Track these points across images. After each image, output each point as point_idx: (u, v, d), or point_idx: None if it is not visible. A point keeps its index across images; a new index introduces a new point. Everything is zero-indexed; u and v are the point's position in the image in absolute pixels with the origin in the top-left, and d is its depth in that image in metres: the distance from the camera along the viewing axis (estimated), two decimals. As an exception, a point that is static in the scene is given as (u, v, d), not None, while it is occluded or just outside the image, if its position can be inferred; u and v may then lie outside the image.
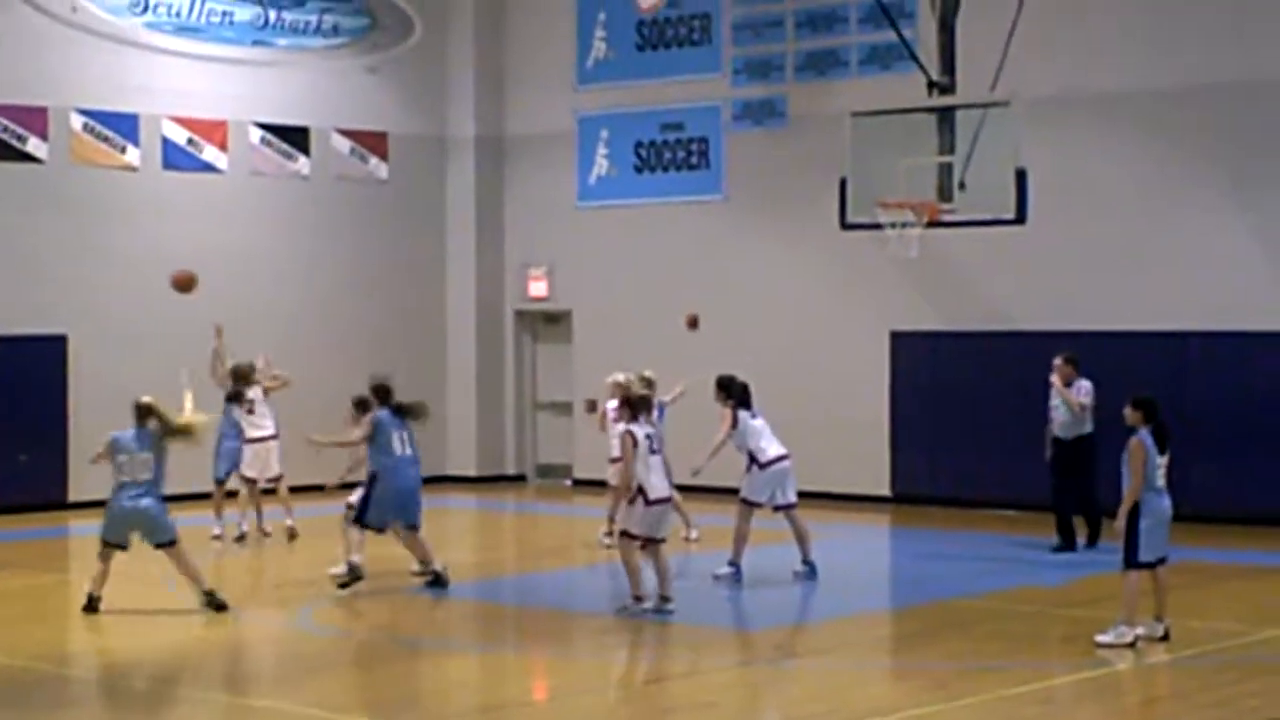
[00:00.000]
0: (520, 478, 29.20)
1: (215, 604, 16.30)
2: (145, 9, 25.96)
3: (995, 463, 23.99)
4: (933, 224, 21.17)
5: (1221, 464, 22.06)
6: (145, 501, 16.26)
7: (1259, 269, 22.49)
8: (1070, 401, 19.98)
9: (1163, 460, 14.66)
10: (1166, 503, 14.73)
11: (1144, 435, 14.59)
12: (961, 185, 20.87)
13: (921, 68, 22.14)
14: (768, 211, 26.32)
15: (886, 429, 25.17)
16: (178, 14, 26.26)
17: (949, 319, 24.77)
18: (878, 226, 21.44)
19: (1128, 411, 14.78)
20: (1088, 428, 19.99)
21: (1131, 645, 14.34)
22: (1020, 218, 20.77)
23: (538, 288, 28.92)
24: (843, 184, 21.72)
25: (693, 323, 26.93)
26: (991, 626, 16.00)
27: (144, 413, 16.49)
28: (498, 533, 25.00)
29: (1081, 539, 20.20)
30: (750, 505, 18.03)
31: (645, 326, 27.18)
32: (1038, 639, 15.48)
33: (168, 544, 16.35)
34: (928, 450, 24.84)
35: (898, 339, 25.07)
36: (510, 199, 29.26)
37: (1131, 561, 14.57)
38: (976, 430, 24.26)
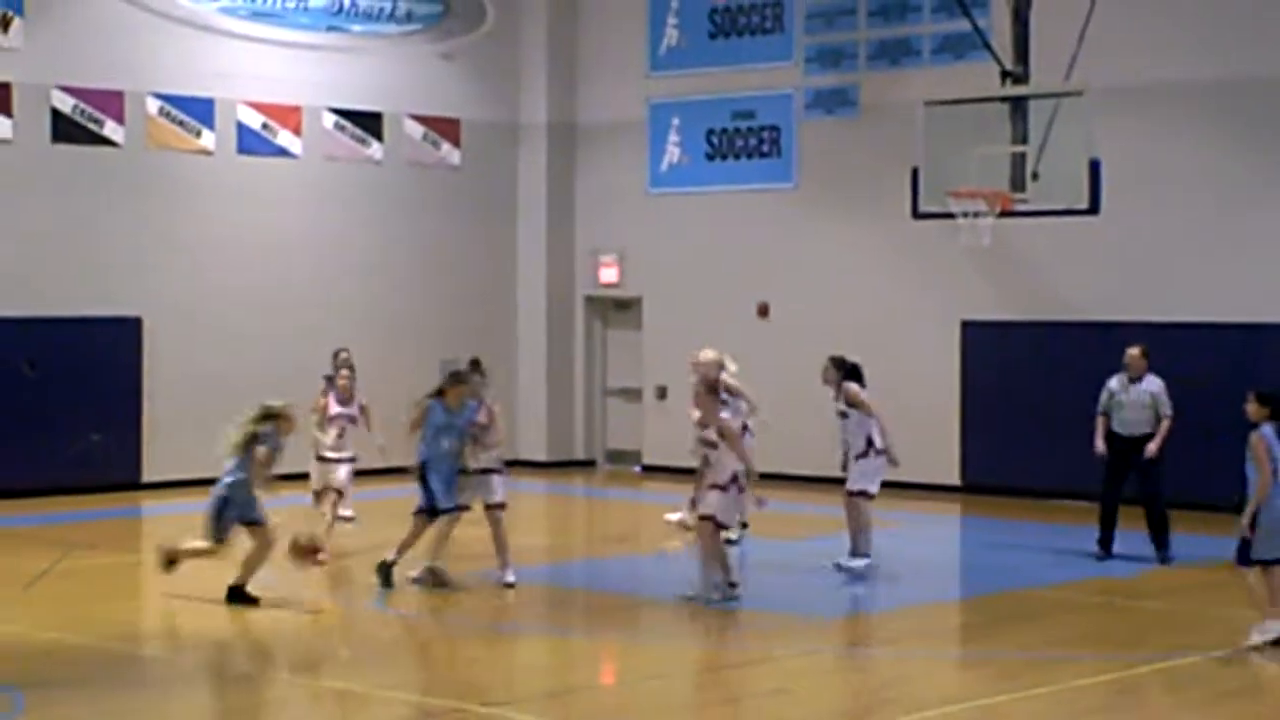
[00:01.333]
0: (590, 463, 29.28)
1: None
2: (221, -6, 26.16)
3: (1065, 453, 23.86)
4: (1005, 214, 21.09)
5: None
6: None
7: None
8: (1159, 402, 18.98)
9: None
10: None
11: (1267, 430, 14.21)
12: (1034, 175, 20.78)
13: (995, 57, 22.07)
14: (839, 200, 26.31)
15: (957, 418, 25.14)
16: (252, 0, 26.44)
17: (1020, 309, 24.71)
18: (949, 216, 21.38)
19: (1251, 406, 14.38)
20: (1149, 426, 19.01)
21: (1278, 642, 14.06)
22: (1093, 208, 20.67)
23: (608, 274, 28.99)
24: (914, 173, 21.68)
25: (763, 310, 26.96)
26: (1062, 617, 16.00)
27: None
28: (567, 518, 25.10)
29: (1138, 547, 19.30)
30: (869, 497, 17.92)
31: (716, 314, 27.21)
32: (1109, 630, 15.46)
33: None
34: (998, 440, 24.80)
35: (968, 328, 25.02)
36: (582, 186, 29.33)
37: (1244, 557, 14.27)
38: (1047, 420, 24.19)
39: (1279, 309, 22.55)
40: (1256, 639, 14.10)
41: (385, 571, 16.86)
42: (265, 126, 26.51)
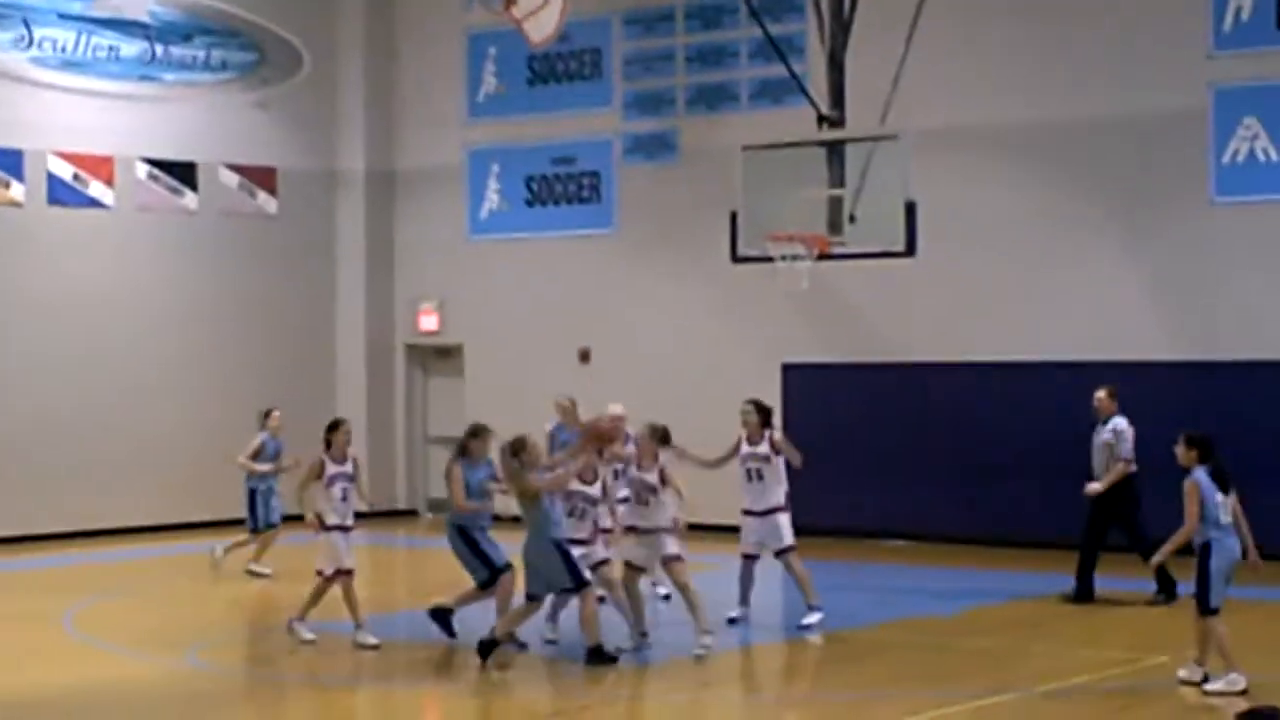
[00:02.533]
0: (412, 512, 29.06)
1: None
2: (30, 44, 25.71)
3: (888, 493, 24.10)
4: (823, 257, 21.21)
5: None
6: None
7: (1138, 301, 22.76)
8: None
9: (1227, 499, 14.01)
10: (1233, 543, 14.05)
11: (1200, 475, 14.00)
12: (852, 218, 20.91)
13: (811, 102, 22.23)
14: (659, 245, 26.37)
15: (780, 460, 25.15)
16: (63, 49, 26.01)
17: (841, 351, 24.88)
18: (768, 259, 21.47)
19: (1180, 450, 14.20)
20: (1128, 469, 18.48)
21: (1243, 693, 13.68)
22: (910, 250, 20.87)
23: (428, 322, 28.84)
24: (733, 217, 21.74)
25: (585, 356, 26.93)
26: (887, 656, 16.05)
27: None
28: (389, 568, 24.83)
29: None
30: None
31: (537, 360, 27.14)
32: (934, 668, 15.52)
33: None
34: (821, 481, 24.84)
35: (789, 371, 25.15)
36: (401, 233, 29.16)
37: (1206, 608, 13.96)
38: (869, 461, 24.35)
39: (1093, 347, 22.88)
40: (1221, 686, 13.86)
41: (489, 648, 15.41)
42: (76, 177, 26.09)
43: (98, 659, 16.31)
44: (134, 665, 15.99)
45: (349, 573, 16.54)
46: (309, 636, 16.40)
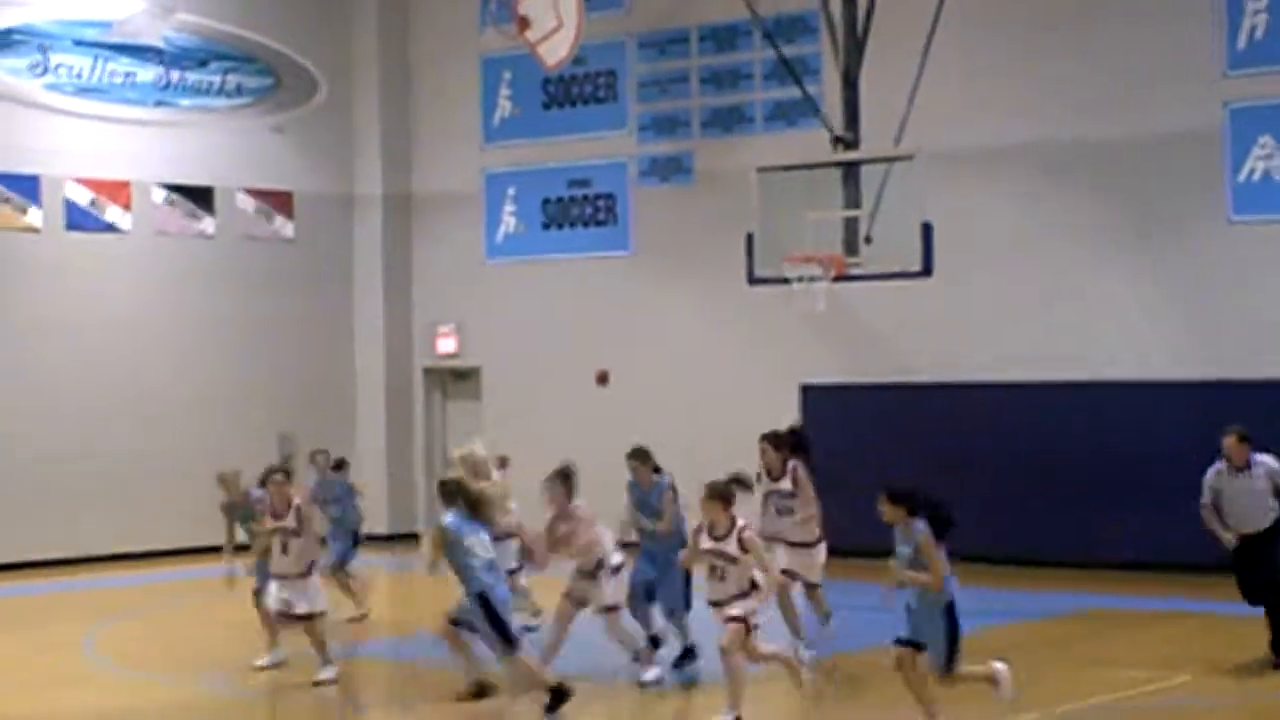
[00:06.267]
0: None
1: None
2: (45, 70, 25.80)
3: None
4: (839, 278, 21.24)
5: (1127, 513, 22.21)
6: None
7: (1155, 319, 22.73)
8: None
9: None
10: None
11: (921, 526, 13.35)
12: (867, 239, 20.95)
13: (825, 123, 22.27)
14: (675, 267, 26.38)
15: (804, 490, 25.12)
16: (79, 75, 26.10)
17: (858, 372, 24.85)
18: (785, 281, 21.49)
19: (885, 508, 13.52)
20: (1271, 517, 15.91)
21: None
22: (926, 270, 20.88)
23: (446, 345, 28.87)
24: (749, 239, 21.78)
25: (602, 378, 26.94)
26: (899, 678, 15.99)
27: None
28: (409, 590, 24.82)
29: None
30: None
31: (555, 382, 27.17)
32: (950, 689, 15.45)
33: None
34: (840, 502, 24.81)
35: (807, 392, 25.12)
36: (418, 257, 29.21)
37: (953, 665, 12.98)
38: (885, 481, 24.25)
39: (1110, 366, 22.85)
40: None
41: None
42: (93, 203, 26.17)
43: (119, 684, 16.33)
44: (155, 690, 16.01)
45: (291, 616, 16.07)
46: (326, 675, 16.05)
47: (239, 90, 27.89)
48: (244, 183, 27.84)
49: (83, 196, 26.07)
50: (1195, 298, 22.58)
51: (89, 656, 17.76)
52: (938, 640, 12.86)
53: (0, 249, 25.30)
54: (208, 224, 27.40)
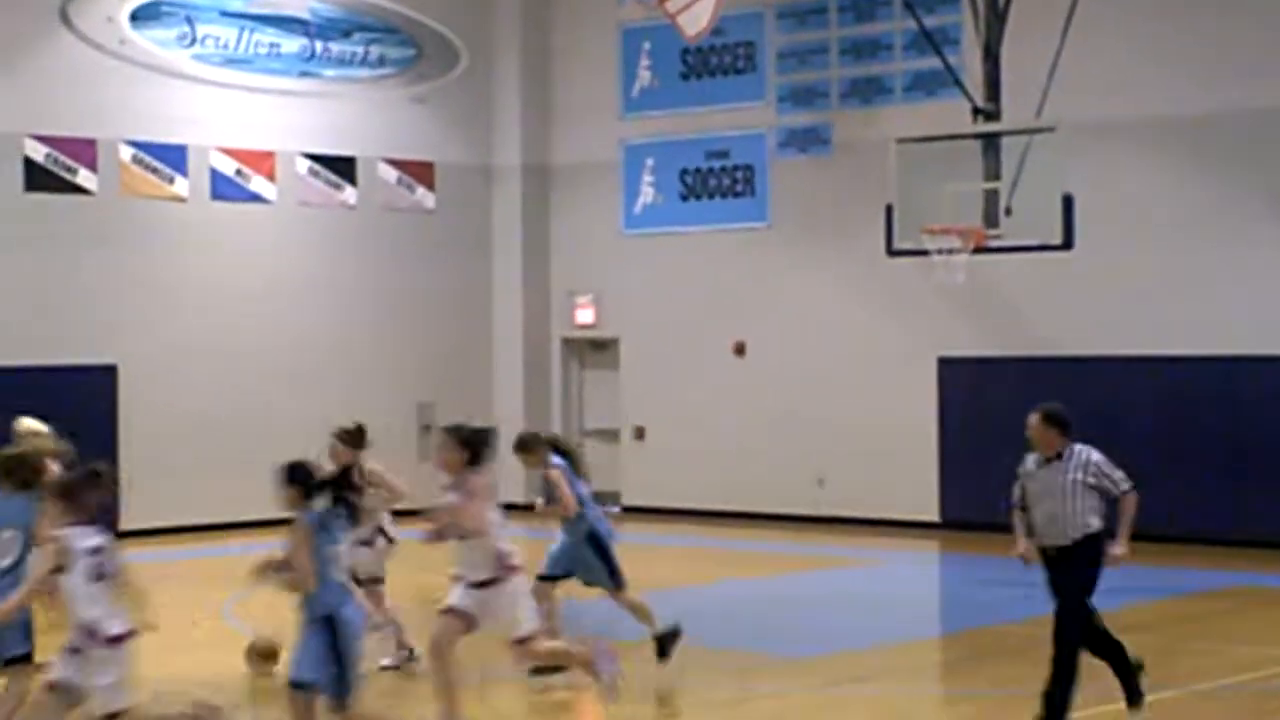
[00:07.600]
0: (568, 505, 29.17)
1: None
2: (192, 41, 26.14)
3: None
4: (979, 250, 21.14)
5: (1274, 489, 21.98)
6: None
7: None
8: None
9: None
10: None
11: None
12: (1008, 211, 20.85)
13: (966, 94, 22.15)
14: (813, 238, 26.33)
15: (935, 455, 25.11)
16: (225, 46, 26.43)
17: (997, 345, 24.71)
18: (924, 253, 21.43)
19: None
20: None
21: None
22: (1067, 243, 20.73)
23: (584, 315, 28.98)
24: (888, 210, 21.72)
25: (739, 349, 26.97)
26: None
27: None
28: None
29: None
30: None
31: (692, 353, 27.23)
32: (1087, 665, 15.38)
33: None
34: (976, 476, 24.76)
35: (945, 365, 25.02)
36: (556, 227, 29.35)
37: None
38: (1023, 455, 24.13)
39: (1254, 341, 22.58)
40: None
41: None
42: (239, 173, 26.50)
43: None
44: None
45: None
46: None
47: (382, 61, 28.13)
48: (385, 153, 28.08)
49: (228, 166, 26.41)
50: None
51: (230, 623, 18.00)
52: None
53: (147, 218, 25.67)
54: (349, 194, 27.67)
